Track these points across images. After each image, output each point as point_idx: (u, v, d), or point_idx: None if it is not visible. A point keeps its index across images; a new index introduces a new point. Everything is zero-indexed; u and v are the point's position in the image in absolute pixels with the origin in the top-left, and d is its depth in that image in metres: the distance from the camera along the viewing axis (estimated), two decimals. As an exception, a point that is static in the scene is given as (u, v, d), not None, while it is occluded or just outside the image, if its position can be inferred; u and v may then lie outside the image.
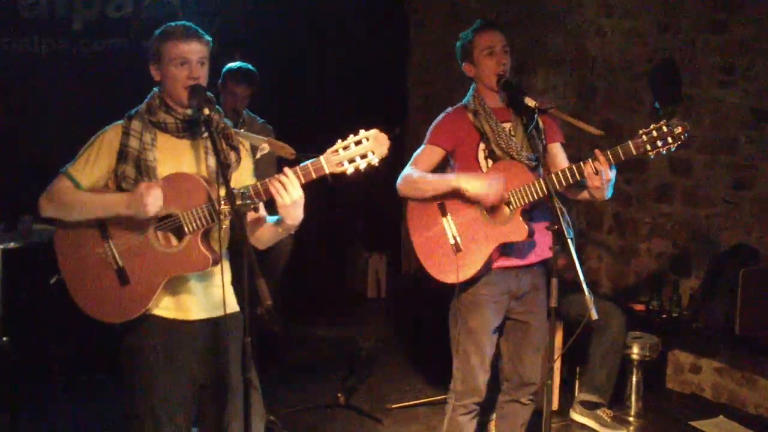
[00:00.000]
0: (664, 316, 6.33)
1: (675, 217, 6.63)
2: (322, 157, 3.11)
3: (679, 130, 3.67)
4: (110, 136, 3.36)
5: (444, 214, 4.11)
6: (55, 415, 5.42)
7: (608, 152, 3.78)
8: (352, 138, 3.09)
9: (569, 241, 3.56)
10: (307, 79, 7.79)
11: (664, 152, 3.70)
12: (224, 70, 5.69)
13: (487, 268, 4.08)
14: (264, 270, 2.94)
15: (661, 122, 3.69)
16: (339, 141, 3.10)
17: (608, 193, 3.86)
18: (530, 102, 3.92)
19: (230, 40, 6.71)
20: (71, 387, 5.71)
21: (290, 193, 3.13)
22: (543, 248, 4.15)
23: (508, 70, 4.11)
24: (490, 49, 4.09)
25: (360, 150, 3.08)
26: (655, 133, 3.68)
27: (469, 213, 4.07)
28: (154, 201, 3.18)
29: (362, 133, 3.09)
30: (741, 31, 6.14)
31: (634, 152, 3.72)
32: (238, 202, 3.02)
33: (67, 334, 5.74)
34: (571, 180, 3.83)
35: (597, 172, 3.76)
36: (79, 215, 3.33)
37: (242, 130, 3.59)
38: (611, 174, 3.80)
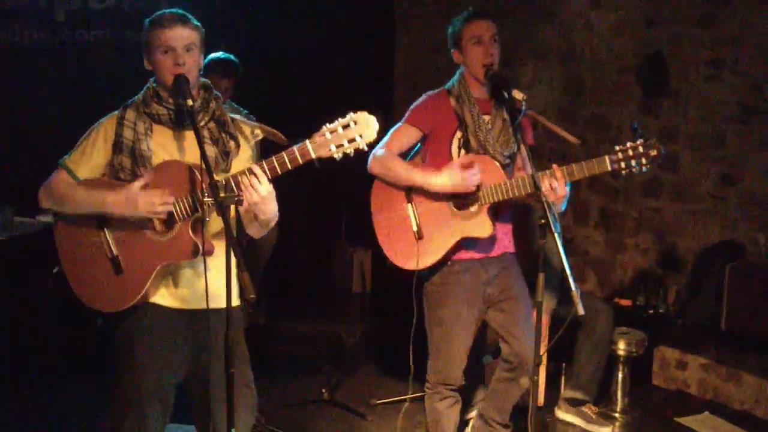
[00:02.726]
0: (651, 311, 6.34)
1: (662, 212, 6.62)
2: (308, 142, 3.05)
3: (654, 152, 3.72)
4: (105, 128, 3.36)
5: (409, 200, 4.09)
6: (39, 408, 5.37)
7: (583, 164, 3.79)
8: (339, 122, 3.03)
9: (556, 235, 3.53)
10: (292, 69, 7.75)
11: (636, 172, 3.75)
12: (205, 61, 5.64)
13: (446, 258, 4.07)
14: (249, 263, 2.91)
15: (638, 141, 3.72)
16: (326, 125, 3.04)
17: (562, 207, 3.88)
18: (518, 95, 3.91)
19: (214, 29, 6.64)
20: (55, 380, 5.65)
21: (258, 190, 3.09)
22: (504, 243, 4.22)
23: (497, 61, 4.07)
24: (478, 39, 4.06)
25: (347, 134, 3.02)
26: (631, 152, 3.73)
27: (435, 202, 4.06)
28: (145, 205, 3.18)
29: (350, 116, 3.03)
30: (728, 25, 6.13)
31: (609, 168, 3.76)
32: (222, 194, 2.97)
33: (53, 327, 5.70)
34: (529, 189, 3.84)
35: (552, 188, 3.77)
36: (73, 210, 3.34)
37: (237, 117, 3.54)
38: (566, 190, 3.81)
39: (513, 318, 4.22)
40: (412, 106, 4.20)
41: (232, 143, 3.37)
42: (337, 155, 3.04)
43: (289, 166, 3.08)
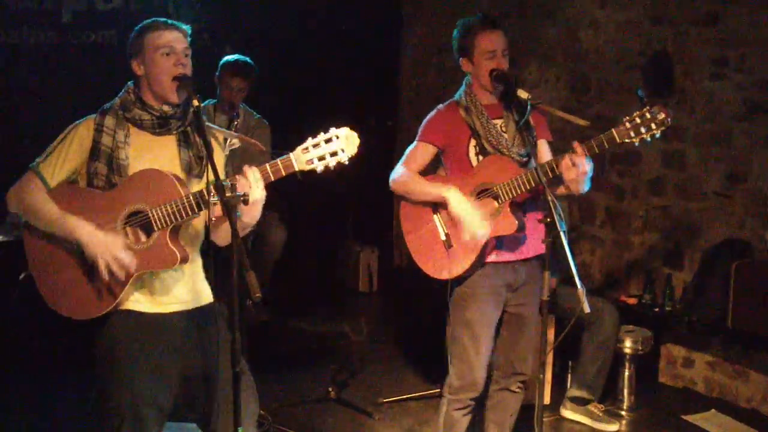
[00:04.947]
0: (657, 309, 6.32)
1: (668, 210, 6.61)
2: (292, 155, 3.13)
3: (662, 116, 3.69)
4: (82, 133, 3.31)
5: (435, 211, 4.12)
6: (36, 409, 5.38)
7: (592, 141, 3.78)
8: (322, 136, 3.11)
9: (562, 233, 3.54)
10: (298, 72, 7.76)
11: (649, 139, 3.73)
12: (221, 62, 5.68)
13: (480, 262, 4.06)
14: (257, 263, 2.93)
15: (644, 109, 3.72)
16: (309, 138, 3.12)
17: (585, 186, 3.85)
18: (523, 94, 3.91)
19: (220, 32, 6.69)
20: (59, 381, 5.67)
21: (253, 192, 3.12)
22: (538, 242, 4.15)
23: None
24: (492, 53, 4.04)
25: (330, 148, 3.10)
26: (638, 120, 3.71)
27: None
28: (111, 260, 3.17)
29: (332, 131, 3.12)
30: (734, 22, 6.11)
31: (618, 139, 3.74)
32: (228, 194, 3.00)
33: (58, 327, 5.71)
34: (550, 173, 3.81)
35: (574, 164, 3.75)
36: (43, 227, 3.29)
37: (213, 124, 3.56)
38: (588, 167, 3.79)
39: (519, 333, 4.25)
40: (423, 123, 4.22)
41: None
42: (319, 168, 3.11)
43: (272, 178, 3.15)
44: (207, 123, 3.45)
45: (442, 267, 4.07)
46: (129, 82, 3.37)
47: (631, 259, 6.89)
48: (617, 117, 6.65)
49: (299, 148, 3.11)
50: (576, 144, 3.79)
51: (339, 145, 3.09)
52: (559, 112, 4.23)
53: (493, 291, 4.13)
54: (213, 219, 3.19)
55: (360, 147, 3.13)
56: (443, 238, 4.07)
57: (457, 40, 4.15)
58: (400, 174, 4.18)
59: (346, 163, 3.12)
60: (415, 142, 4.22)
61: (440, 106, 4.24)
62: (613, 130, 3.74)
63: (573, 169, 3.75)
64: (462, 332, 4.16)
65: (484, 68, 4.05)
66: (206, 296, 3.44)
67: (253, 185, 3.12)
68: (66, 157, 3.30)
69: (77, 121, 3.35)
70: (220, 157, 3.47)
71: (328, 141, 3.10)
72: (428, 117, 4.23)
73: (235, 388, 3.02)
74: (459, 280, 4.12)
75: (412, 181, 4.15)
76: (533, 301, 4.23)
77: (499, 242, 4.06)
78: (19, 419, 5.25)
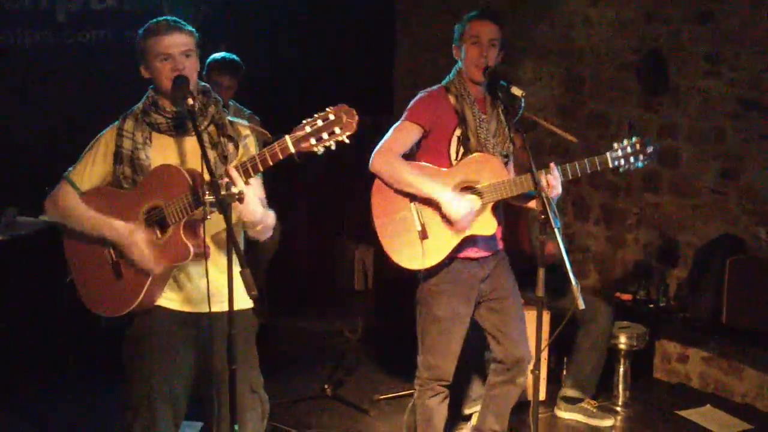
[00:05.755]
0: (652, 305, 6.35)
1: (662, 207, 6.63)
2: (287, 137, 3.01)
3: (650, 149, 3.89)
4: (106, 139, 3.42)
5: (412, 200, 4.03)
6: (43, 410, 5.39)
7: (585, 161, 3.88)
8: (318, 115, 2.99)
9: (556, 230, 3.55)
10: (293, 68, 7.76)
11: (633, 168, 3.90)
12: (208, 60, 5.69)
13: (450, 257, 4.06)
14: (251, 261, 2.93)
15: (635, 139, 3.88)
16: (305, 119, 3.00)
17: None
18: (517, 91, 3.92)
19: (215, 30, 6.67)
20: (61, 381, 5.67)
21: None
22: (497, 242, 4.25)
23: (491, 64, 4.02)
24: (476, 39, 4.03)
25: (327, 127, 2.96)
26: (629, 149, 3.87)
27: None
28: (139, 257, 3.28)
29: (329, 109, 2.99)
30: (728, 21, 6.13)
31: (610, 165, 3.89)
32: (223, 192, 2.99)
33: (57, 326, 5.73)
34: (531, 187, 3.85)
35: (549, 184, 3.82)
36: (77, 227, 3.40)
37: (234, 117, 3.55)
38: (559, 190, 3.85)
39: (505, 317, 4.23)
40: (410, 104, 4.13)
41: (230, 146, 3.37)
42: (318, 149, 2.99)
43: (270, 162, 3.05)
44: (232, 119, 3.47)
45: (413, 257, 4.02)
46: (151, 86, 3.41)
47: (625, 256, 6.91)
48: (611, 114, 6.76)
49: (296, 130, 2.99)
50: (552, 165, 3.87)
51: (335, 123, 2.95)
52: (551, 126, 4.27)
53: (463, 286, 4.13)
54: (209, 217, 3.18)
55: (355, 138, 3.00)
56: (419, 228, 4.01)
57: (456, 28, 4.14)
58: (386, 155, 4.02)
59: (347, 141, 2.97)
60: (400, 122, 4.11)
61: (429, 89, 4.17)
62: (606, 153, 3.88)
63: (547, 188, 3.80)
64: (431, 327, 4.16)
65: (467, 54, 4.05)
66: (241, 301, 3.19)
67: (236, 182, 3.09)
68: (94, 163, 3.42)
69: (105, 129, 3.44)
70: (245, 155, 3.41)
71: (324, 119, 2.97)
72: (417, 97, 4.15)
73: (231, 386, 3.03)
74: (427, 276, 4.11)
75: (403, 170, 4.00)
76: (507, 281, 4.25)
77: (470, 240, 4.06)
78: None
